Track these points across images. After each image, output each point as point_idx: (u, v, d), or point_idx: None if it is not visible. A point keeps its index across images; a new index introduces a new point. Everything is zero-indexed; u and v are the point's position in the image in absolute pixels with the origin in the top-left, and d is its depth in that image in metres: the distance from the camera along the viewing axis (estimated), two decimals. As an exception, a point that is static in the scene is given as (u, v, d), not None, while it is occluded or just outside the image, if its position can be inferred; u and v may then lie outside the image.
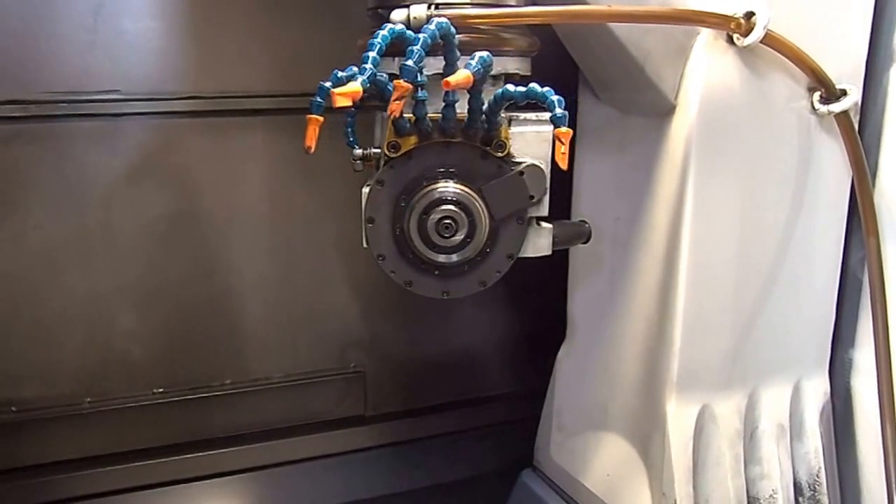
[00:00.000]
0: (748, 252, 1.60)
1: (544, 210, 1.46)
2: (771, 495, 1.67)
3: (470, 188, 1.38)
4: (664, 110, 1.55)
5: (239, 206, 2.07)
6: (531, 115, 1.40)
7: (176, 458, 2.06)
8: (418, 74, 1.24)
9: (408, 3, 1.34)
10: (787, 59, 1.52)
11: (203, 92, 1.95)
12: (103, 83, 1.86)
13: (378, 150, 1.42)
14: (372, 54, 1.18)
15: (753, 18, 1.44)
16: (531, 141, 1.43)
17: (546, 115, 1.43)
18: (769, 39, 1.47)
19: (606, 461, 1.80)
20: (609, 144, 1.74)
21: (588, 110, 1.77)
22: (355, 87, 1.15)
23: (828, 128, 1.60)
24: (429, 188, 1.37)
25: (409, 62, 1.16)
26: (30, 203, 1.86)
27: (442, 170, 1.38)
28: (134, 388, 2.04)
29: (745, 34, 1.45)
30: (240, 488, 2.12)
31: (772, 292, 1.65)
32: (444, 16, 1.28)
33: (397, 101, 1.19)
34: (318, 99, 1.25)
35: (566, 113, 1.21)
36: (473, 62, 1.18)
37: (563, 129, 1.20)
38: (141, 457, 2.04)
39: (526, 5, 1.41)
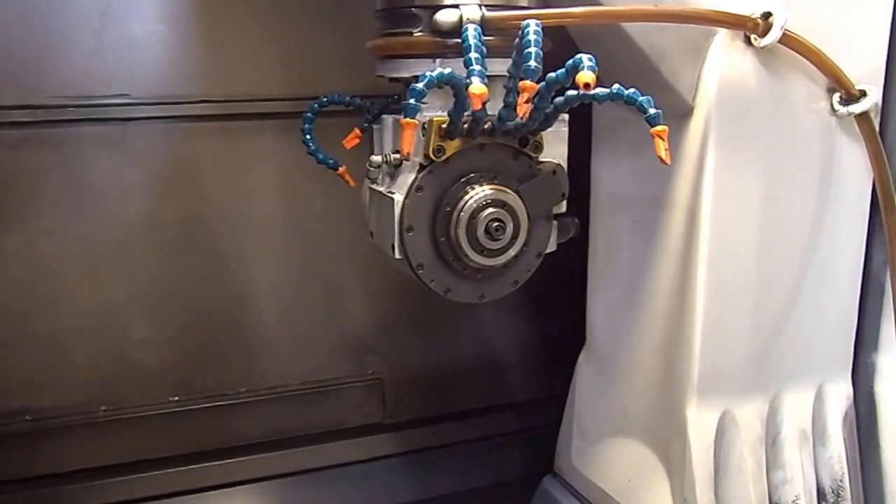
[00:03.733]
0: (768, 256, 1.64)
1: (563, 207, 1.54)
2: (794, 501, 1.71)
3: (509, 189, 1.44)
4: (681, 112, 1.59)
5: (252, 211, 2.13)
6: (551, 116, 1.45)
7: (191, 466, 2.12)
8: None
9: (443, 4, 1.37)
10: (805, 60, 1.56)
11: (213, 95, 2.01)
12: (112, 87, 1.92)
13: (397, 156, 1.44)
14: (475, 55, 1.25)
15: (771, 19, 1.48)
16: (551, 140, 1.50)
17: (563, 116, 1.51)
18: (787, 40, 1.51)
19: (627, 467, 1.84)
20: (626, 146, 1.79)
21: (604, 111, 1.81)
22: (483, 88, 1.21)
23: (848, 129, 1.64)
24: (472, 192, 1.42)
25: (533, 63, 1.21)
26: (40, 209, 1.92)
27: (478, 172, 1.44)
28: (149, 397, 2.10)
29: (763, 35, 1.49)
30: (257, 497, 2.17)
31: (793, 296, 1.69)
32: (495, 17, 1.35)
33: (527, 104, 1.25)
34: (413, 101, 1.25)
35: (660, 111, 1.27)
36: (585, 63, 1.20)
37: (660, 127, 1.26)
38: (156, 466, 2.10)
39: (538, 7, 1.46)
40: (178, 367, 2.12)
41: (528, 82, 1.22)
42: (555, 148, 1.50)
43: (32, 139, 1.88)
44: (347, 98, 1.67)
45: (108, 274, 2.01)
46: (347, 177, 1.69)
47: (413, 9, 1.41)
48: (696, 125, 1.57)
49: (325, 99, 1.67)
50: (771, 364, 1.71)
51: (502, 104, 1.35)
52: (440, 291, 1.48)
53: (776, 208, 1.63)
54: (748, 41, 1.53)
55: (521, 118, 1.30)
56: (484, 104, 1.33)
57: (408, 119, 1.25)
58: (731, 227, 1.59)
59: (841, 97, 1.60)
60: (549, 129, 1.46)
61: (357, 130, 1.61)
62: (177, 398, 2.12)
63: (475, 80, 1.22)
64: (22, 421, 1.98)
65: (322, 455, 2.23)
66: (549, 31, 1.53)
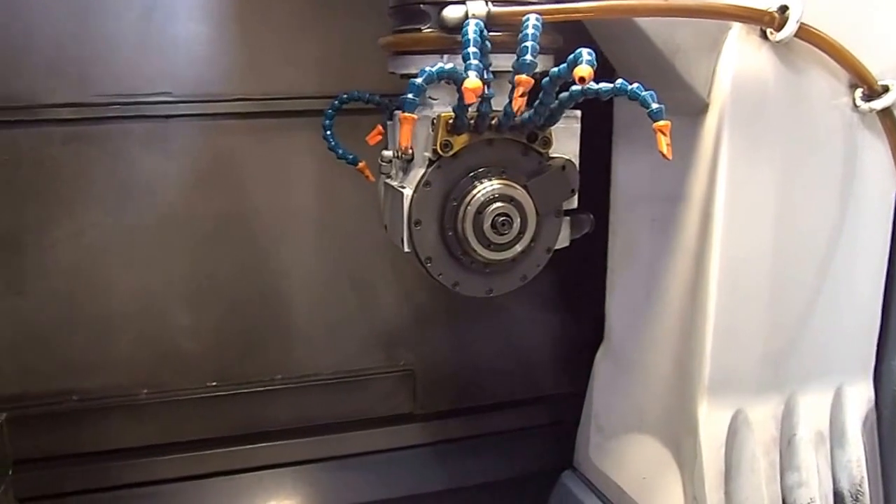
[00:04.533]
0: (785, 255, 1.62)
1: (574, 203, 1.56)
2: (809, 503, 1.68)
3: (517, 184, 1.47)
4: (697, 108, 1.58)
5: (287, 205, 2.19)
6: (560, 112, 1.46)
7: (226, 449, 2.20)
8: (486, 71, 1.32)
9: (450, 0, 1.40)
10: (825, 55, 1.53)
11: (250, 94, 2.08)
12: (154, 86, 2.01)
13: (409, 151, 1.46)
14: (472, 49, 1.28)
15: (787, 12, 1.46)
16: (562, 136, 1.52)
17: (576, 112, 1.52)
18: (805, 34, 1.49)
19: (642, 463, 1.84)
20: (644, 144, 1.76)
21: (624, 108, 1.82)
22: (477, 82, 1.24)
23: (871, 126, 1.61)
24: (479, 186, 1.45)
25: (528, 57, 1.25)
26: (87, 201, 2.03)
27: (486, 167, 1.46)
28: (188, 382, 2.19)
29: (779, 28, 1.48)
30: (288, 481, 2.24)
31: (810, 296, 1.67)
32: (501, 13, 1.37)
33: (522, 97, 1.29)
34: (411, 96, 1.29)
35: (662, 106, 1.28)
36: (584, 57, 1.23)
37: (662, 122, 1.27)
38: (194, 447, 2.19)
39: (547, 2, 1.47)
40: (215, 354, 2.21)
41: (522, 76, 1.25)
42: (566, 144, 1.52)
43: (80, 135, 1.98)
44: (367, 95, 1.72)
45: (150, 263, 2.11)
46: (367, 172, 1.73)
47: (422, 5, 1.45)
48: (710, 121, 1.57)
49: (345, 96, 1.72)
50: (786, 364, 1.69)
51: (507, 100, 1.37)
52: (448, 285, 1.51)
53: (793, 207, 1.61)
54: (764, 35, 1.52)
55: (517, 112, 1.32)
56: (487, 99, 1.36)
57: (406, 113, 1.28)
58: (746, 224, 1.58)
59: (863, 93, 1.57)
60: (560, 124, 1.48)
61: (380, 127, 1.66)
62: (214, 384, 2.21)
63: (471, 74, 1.25)
64: (70, 400, 2.09)
65: (352, 442, 2.29)
66: (563, 28, 1.56)
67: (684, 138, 1.62)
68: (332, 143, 1.73)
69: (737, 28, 1.51)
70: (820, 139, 1.60)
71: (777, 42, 1.49)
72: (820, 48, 1.52)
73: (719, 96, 1.54)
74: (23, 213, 1.98)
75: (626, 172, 1.86)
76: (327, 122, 1.72)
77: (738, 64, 1.52)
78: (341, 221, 2.22)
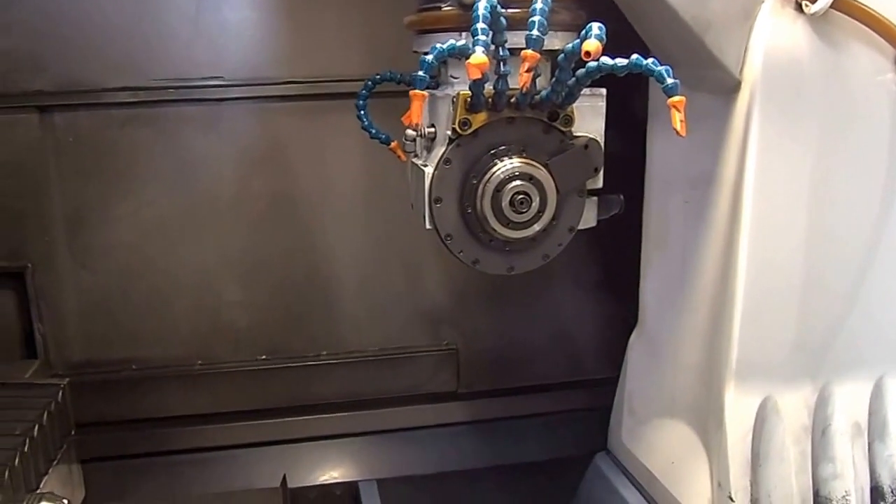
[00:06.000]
0: (820, 238, 1.56)
1: (600, 182, 1.53)
2: (844, 496, 1.63)
3: (538, 163, 1.46)
4: (728, 87, 1.53)
5: (335, 186, 2.25)
6: (586, 90, 1.43)
7: (275, 420, 2.29)
8: (501, 48, 1.33)
9: None
10: (865, 27, 1.46)
11: (299, 77, 2.14)
12: (207, 70, 2.09)
13: (432, 129, 1.49)
14: (481, 25, 1.26)
15: (823, -18, 1.40)
16: (586, 114, 1.49)
17: (600, 90, 1.50)
18: (843, 5, 1.44)
19: (672, 448, 1.81)
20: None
21: (658, 87, 1.77)
22: (482, 57, 1.23)
23: (918, 103, 1.53)
24: (499, 164, 1.45)
25: (535, 32, 1.25)
26: (145, 181, 2.13)
27: (507, 146, 1.46)
28: (239, 355, 2.28)
29: (814, 0, 1.41)
30: (334, 452, 2.30)
31: (849, 284, 1.61)
32: None
33: (528, 73, 1.29)
34: (422, 73, 1.30)
35: (677, 81, 1.25)
36: (593, 31, 1.21)
37: (676, 98, 1.25)
38: (244, 417, 2.28)
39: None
40: (266, 329, 2.28)
41: (528, 51, 1.24)
42: (591, 122, 1.50)
43: (137, 118, 2.08)
44: (399, 75, 1.74)
45: (204, 240, 2.19)
46: (399, 151, 1.75)
47: (442, -17, 1.45)
48: (742, 100, 1.52)
49: (378, 76, 1.75)
50: (821, 352, 1.63)
51: (528, 78, 1.37)
52: (468, 262, 1.52)
53: (830, 190, 1.55)
54: (799, 8, 1.46)
55: (522, 88, 1.31)
56: (504, 76, 1.35)
57: (415, 90, 1.29)
58: (777, 208, 1.53)
59: (911, 68, 1.50)
60: (585, 102, 1.47)
61: (414, 107, 1.67)
62: (264, 357, 2.28)
63: (478, 49, 1.24)
64: (129, 369, 2.21)
65: (395, 418, 2.34)
66: (595, 8, 1.53)
67: (716, 118, 1.59)
68: (366, 123, 1.76)
69: (770, 0, 1.46)
70: (860, 119, 1.53)
71: (813, 14, 1.43)
72: (860, 20, 1.46)
73: (751, 73, 1.49)
74: (86, 192, 2.10)
75: (661, 153, 1.83)
76: (361, 101, 1.75)
77: (771, 39, 1.47)
78: (388, 202, 2.24)
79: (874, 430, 1.69)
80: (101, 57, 2.02)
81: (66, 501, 1.44)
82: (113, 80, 2.04)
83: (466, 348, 2.41)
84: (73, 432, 1.84)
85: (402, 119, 1.66)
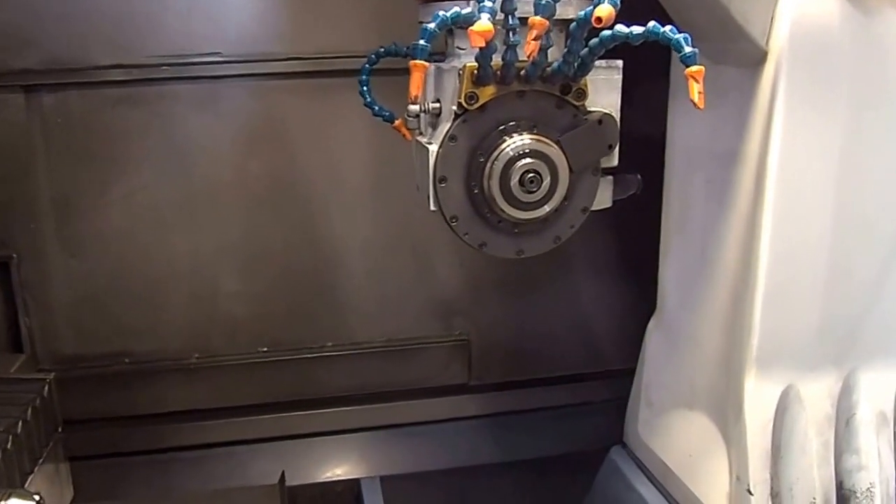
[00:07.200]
0: (848, 218, 1.50)
1: (615, 160, 1.46)
2: (869, 488, 1.56)
3: (549, 139, 1.40)
4: (755, 58, 1.46)
5: (340, 168, 2.19)
6: (601, 62, 1.37)
7: (277, 415, 2.25)
8: (510, 17, 1.28)
9: None
10: (903, -9, 1.40)
11: (301, 53, 2.07)
12: (204, 46, 2.03)
13: (437, 105, 1.43)
14: None
15: (857, -58, 1.34)
16: (601, 88, 1.42)
17: (616, 62, 1.44)
18: (878, -32, 1.37)
19: (690, 440, 1.76)
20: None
21: (680, 63, 1.71)
22: (487, 25, 1.18)
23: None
24: (508, 141, 1.38)
25: None
26: (138, 164, 2.07)
27: (516, 121, 1.39)
28: (239, 347, 2.23)
29: (847, -37, 1.36)
30: (339, 448, 2.27)
31: (877, 268, 1.55)
32: None
33: (535, 41, 1.23)
34: (423, 42, 1.24)
35: (696, 50, 1.19)
36: None
37: (695, 67, 1.19)
38: (244, 412, 2.24)
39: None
40: (267, 320, 2.23)
41: (536, 18, 1.18)
42: (606, 96, 1.43)
43: (130, 97, 2.02)
44: (405, 49, 1.68)
45: (201, 227, 2.14)
46: (404, 130, 1.70)
47: (448, -51, 1.38)
48: (768, 72, 1.45)
49: (381, 50, 1.69)
50: (847, 339, 1.57)
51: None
52: (475, 245, 1.46)
53: (859, 166, 1.48)
54: (829, -27, 1.40)
55: (528, 57, 1.26)
56: (513, 46, 1.29)
57: (416, 60, 1.24)
58: (802, 185, 1.47)
59: (952, 35, 1.43)
60: (600, 75, 1.40)
61: (421, 83, 1.62)
62: (265, 349, 2.24)
63: (483, 16, 1.19)
64: (121, 363, 2.16)
65: (404, 412, 2.30)
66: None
67: (740, 92, 1.52)
68: (368, 100, 1.70)
69: (799, -36, 1.39)
70: (894, 92, 1.46)
71: (845, -21, 1.37)
72: (897, -16, 1.40)
73: (777, 44, 1.42)
74: (75, 177, 2.05)
75: (683, 130, 1.76)
76: (363, 77, 1.69)
77: (799, 6, 1.40)
78: (396, 186, 2.18)
79: (901, 419, 1.63)
80: (92, 32, 1.96)
81: (37, 497, 1.40)
82: (104, 57, 1.98)
83: (479, 339, 2.35)
84: (60, 429, 1.80)
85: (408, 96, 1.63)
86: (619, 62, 1.43)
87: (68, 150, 2.03)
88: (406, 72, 1.71)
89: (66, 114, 2.01)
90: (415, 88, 1.25)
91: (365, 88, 1.70)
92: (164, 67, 2.02)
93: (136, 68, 2.00)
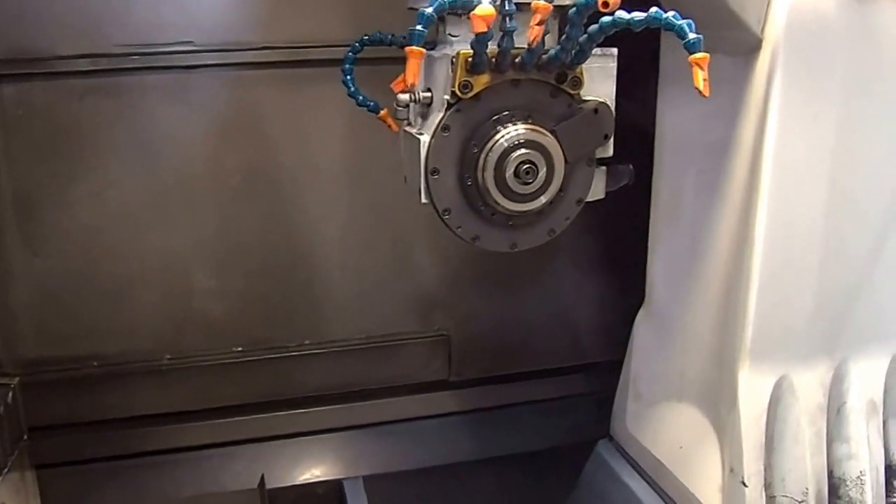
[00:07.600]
0: (842, 207, 1.51)
1: (610, 150, 1.45)
2: (858, 477, 1.58)
3: (544, 129, 1.37)
4: (750, 47, 1.46)
5: (317, 161, 2.14)
6: (596, 50, 1.34)
7: (254, 416, 2.19)
8: (507, 2, 1.25)
9: None
10: (898, -21, 1.40)
11: (277, 42, 2.02)
12: (175, 34, 1.96)
13: (428, 94, 1.39)
14: None
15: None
16: (596, 76, 1.40)
17: (611, 50, 1.43)
18: (875, -45, 1.37)
19: (680, 433, 1.76)
20: (693, 89, 1.68)
21: (671, 50, 1.70)
22: (489, 9, 1.15)
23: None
24: (503, 131, 1.36)
25: None
26: (106, 157, 2.00)
27: (511, 111, 1.37)
28: (213, 347, 2.17)
29: (842, -52, 1.35)
30: (317, 448, 2.21)
31: (869, 257, 1.56)
32: None
33: (539, 26, 1.20)
34: (420, 28, 1.20)
35: (700, 37, 1.17)
36: None
37: (700, 54, 1.17)
38: (220, 414, 2.17)
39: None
40: (242, 319, 2.18)
41: (540, 2, 1.16)
42: (601, 85, 1.41)
43: (98, 88, 1.95)
44: (389, 36, 1.64)
45: (173, 222, 2.08)
46: (389, 121, 1.66)
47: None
48: (763, 61, 1.45)
49: (366, 37, 1.65)
50: (839, 328, 1.59)
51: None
52: (468, 239, 1.43)
53: (854, 156, 1.49)
54: (826, -40, 1.40)
55: (532, 43, 1.23)
56: (509, 33, 1.26)
57: (412, 47, 1.21)
58: (797, 174, 1.47)
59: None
60: (595, 63, 1.38)
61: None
62: (240, 349, 2.18)
63: (484, 0, 1.17)
64: (89, 366, 2.08)
65: (384, 410, 2.26)
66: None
67: (734, 82, 1.52)
68: (352, 89, 1.66)
69: (794, -51, 1.38)
70: (889, 81, 1.47)
71: (841, -34, 1.37)
72: (892, -29, 1.40)
73: (773, 31, 1.42)
74: (39, 171, 1.97)
75: (673, 120, 1.75)
76: (347, 65, 1.64)
77: (794, -9, 1.39)
78: (375, 178, 2.15)
79: (889, 407, 1.65)
80: (57, 20, 1.89)
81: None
82: (70, 46, 1.91)
83: (459, 334, 2.33)
84: (25, 436, 1.74)
85: (392, 86, 1.58)
86: (615, 50, 1.42)
87: (31, 144, 1.95)
88: (390, 61, 1.69)
89: (29, 106, 1.93)
90: (411, 76, 1.22)
91: (349, 77, 1.65)
92: (134, 57, 1.95)
93: (103, 58, 1.93)
